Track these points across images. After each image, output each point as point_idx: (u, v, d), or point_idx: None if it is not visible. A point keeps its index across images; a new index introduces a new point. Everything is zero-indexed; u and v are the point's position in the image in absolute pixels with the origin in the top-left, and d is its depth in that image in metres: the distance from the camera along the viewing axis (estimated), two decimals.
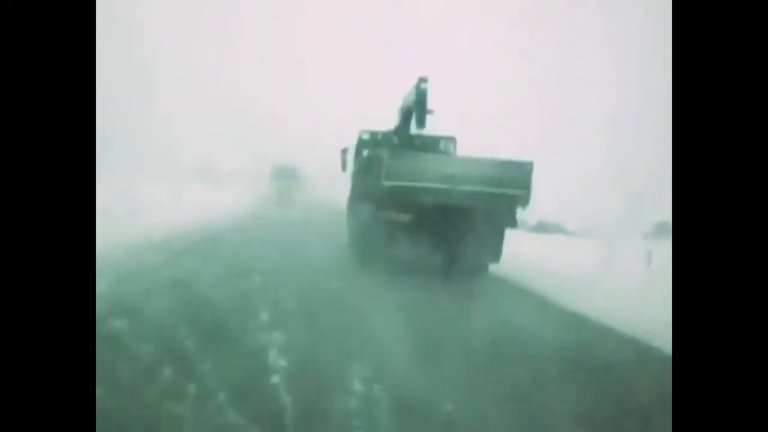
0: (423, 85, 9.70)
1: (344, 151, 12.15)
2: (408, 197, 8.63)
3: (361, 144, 11.49)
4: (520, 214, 9.30)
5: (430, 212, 8.60)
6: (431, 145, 10.82)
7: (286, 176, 27.51)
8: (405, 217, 8.70)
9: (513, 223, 8.99)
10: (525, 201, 8.67)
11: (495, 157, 9.06)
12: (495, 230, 8.81)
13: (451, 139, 11.01)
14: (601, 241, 13.17)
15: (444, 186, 8.48)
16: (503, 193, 8.58)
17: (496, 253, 8.99)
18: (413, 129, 10.43)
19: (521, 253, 10.44)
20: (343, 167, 12.33)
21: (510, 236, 9.07)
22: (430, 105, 9.96)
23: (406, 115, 10.64)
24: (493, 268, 9.27)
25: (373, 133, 11.40)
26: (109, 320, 4.24)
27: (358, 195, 10.63)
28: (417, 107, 9.89)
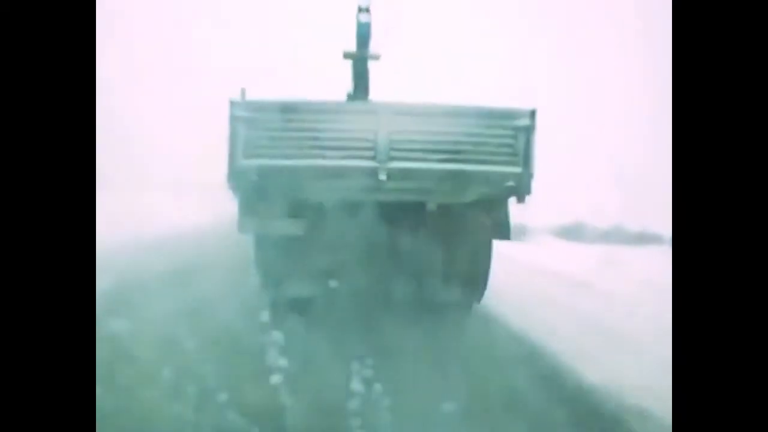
0: (363, 17, 6.11)
1: None
2: (295, 189, 4.83)
3: None
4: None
5: (342, 215, 4.84)
6: None
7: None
8: (292, 228, 4.85)
9: (503, 231, 5.30)
10: (522, 186, 4.88)
11: (463, 104, 5.17)
12: (472, 245, 5.23)
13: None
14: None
15: (363, 163, 4.70)
16: (479, 173, 4.84)
17: (475, 285, 5.35)
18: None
19: None
20: None
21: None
22: (375, 47, 6.37)
23: (356, 71, 6.51)
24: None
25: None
26: None
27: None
28: (357, 50, 6.36)
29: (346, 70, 6.79)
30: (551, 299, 7.17)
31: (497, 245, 5.25)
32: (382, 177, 4.68)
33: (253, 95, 4.92)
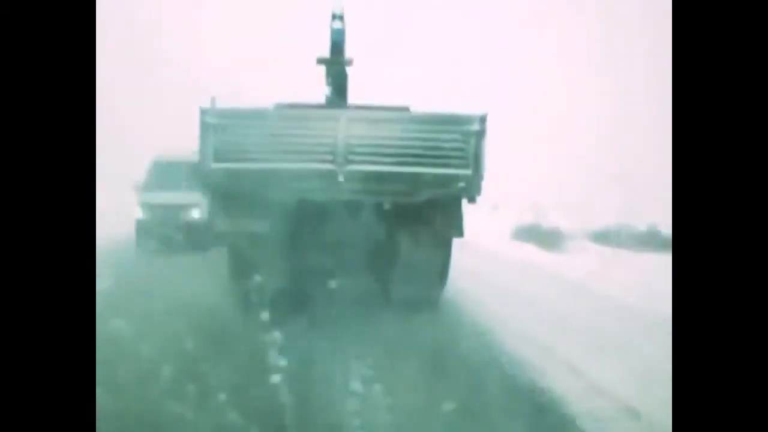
0: (336, 24, 6.42)
1: None
2: (258, 189, 5.05)
3: None
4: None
5: (303, 215, 5.21)
6: None
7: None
8: (259, 226, 5.08)
9: (457, 228, 5.54)
10: (471, 187, 5.22)
11: (416, 111, 5.83)
12: (428, 242, 5.42)
13: (404, 110, 6.82)
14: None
15: (323, 166, 5.10)
16: (431, 174, 5.17)
17: (435, 280, 5.62)
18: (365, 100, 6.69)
19: None
20: None
21: None
22: (350, 52, 6.61)
23: (332, 75, 6.80)
24: None
25: (293, 108, 6.85)
26: None
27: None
28: (331, 55, 6.61)
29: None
30: None
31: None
32: (340, 179, 5.08)
33: (232, 100, 5.37)
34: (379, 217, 5.37)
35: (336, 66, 6.65)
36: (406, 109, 6.88)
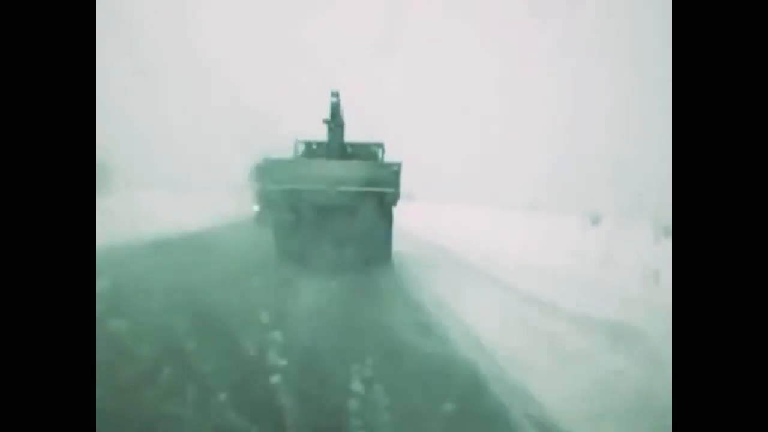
0: (333, 99, 11.25)
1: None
2: (290, 198, 9.85)
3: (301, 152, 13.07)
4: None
5: (311, 211, 9.70)
6: (361, 151, 12.35)
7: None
8: (290, 216, 9.93)
9: (389, 218, 10.43)
10: (394, 198, 10.08)
11: (367, 161, 11.34)
12: (375, 225, 10.06)
13: (380, 145, 12.64)
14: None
15: (321, 187, 9.78)
16: (373, 191, 9.90)
17: (384, 248, 10.64)
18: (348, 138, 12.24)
19: None
20: None
21: None
22: (347, 117, 11.75)
23: (331, 130, 11.82)
24: None
25: (308, 143, 12.55)
26: None
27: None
28: (330, 120, 11.46)
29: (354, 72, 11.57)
30: None
31: None
32: (331, 194, 9.70)
33: (273, 148, 11.63)
34: (353, 213, 9.64)
35: (333, 125, 11.66)
36: (381, 144, 12.59)
